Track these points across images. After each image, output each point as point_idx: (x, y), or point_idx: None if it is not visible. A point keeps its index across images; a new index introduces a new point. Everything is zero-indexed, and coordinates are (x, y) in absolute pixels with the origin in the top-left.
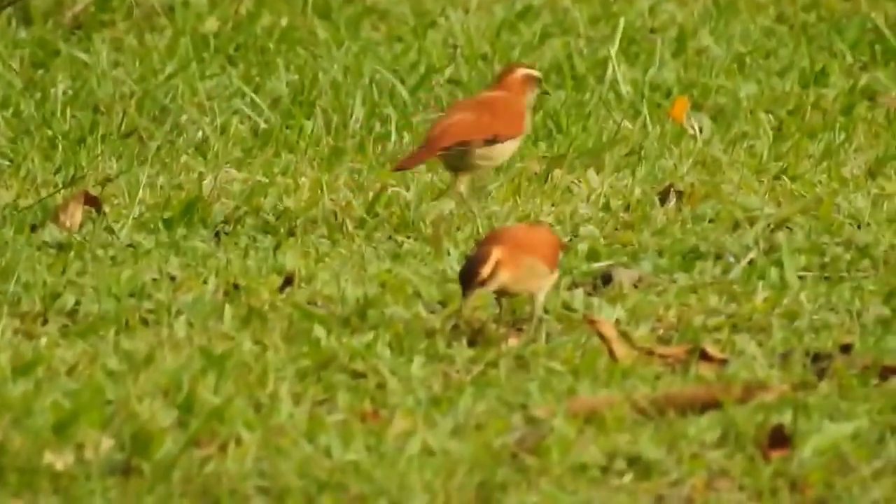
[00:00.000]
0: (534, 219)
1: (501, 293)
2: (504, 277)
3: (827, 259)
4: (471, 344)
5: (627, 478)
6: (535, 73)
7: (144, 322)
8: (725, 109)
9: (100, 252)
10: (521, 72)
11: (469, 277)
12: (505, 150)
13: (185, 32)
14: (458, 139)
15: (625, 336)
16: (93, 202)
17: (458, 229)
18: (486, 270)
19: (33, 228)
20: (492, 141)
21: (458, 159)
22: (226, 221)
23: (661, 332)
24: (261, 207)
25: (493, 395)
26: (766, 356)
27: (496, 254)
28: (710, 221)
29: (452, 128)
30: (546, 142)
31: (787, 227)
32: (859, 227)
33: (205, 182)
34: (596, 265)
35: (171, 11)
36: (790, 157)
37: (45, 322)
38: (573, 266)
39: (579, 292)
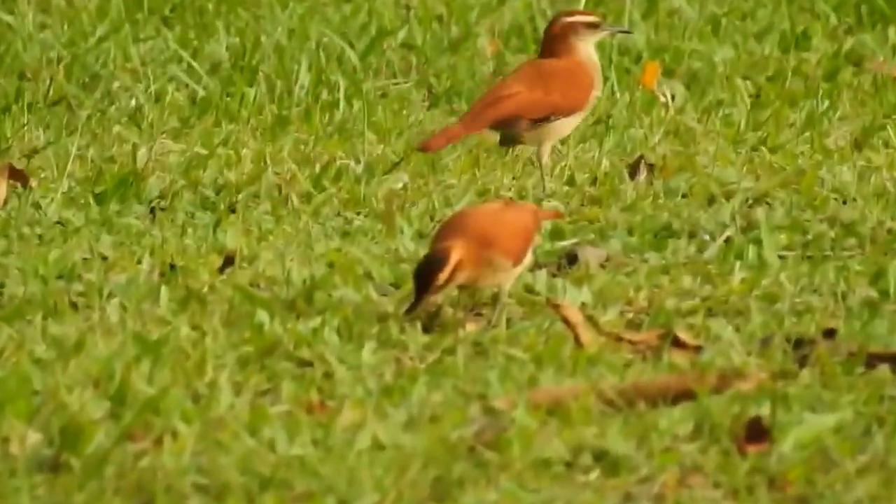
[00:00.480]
0: (494, 193)
1: (461, 288)
2: (462, 278)
3: (809, 237)
4: (426, 330)
5: (594, 474)
6: (583, 16)
7: (74, 306)
8: (699, 75)
9: (26, 230)
10: (563, 22)
11: (425, 283)
12: (562, 128)
13: None
14: (504, 116)
15: (591, 321)
16: (18, 176)
17: (412, 205)
18: (443, 276)
19: None
20: (544, 119)
21: (506, 137)
22: (162, 196)
23: (630, 316)
24: (199, 181)
25: (449, 384)
26: (743, 342)
27: (455, 255)
28: (684, 196)
29: (500, 104)
30: None
31: (767, 203)
32: (844, 202)
33: (139, 154)
34: (560, 244)
35: None
36: (769, 127)
37: None
38: (536, 245)
39: (542, 273)
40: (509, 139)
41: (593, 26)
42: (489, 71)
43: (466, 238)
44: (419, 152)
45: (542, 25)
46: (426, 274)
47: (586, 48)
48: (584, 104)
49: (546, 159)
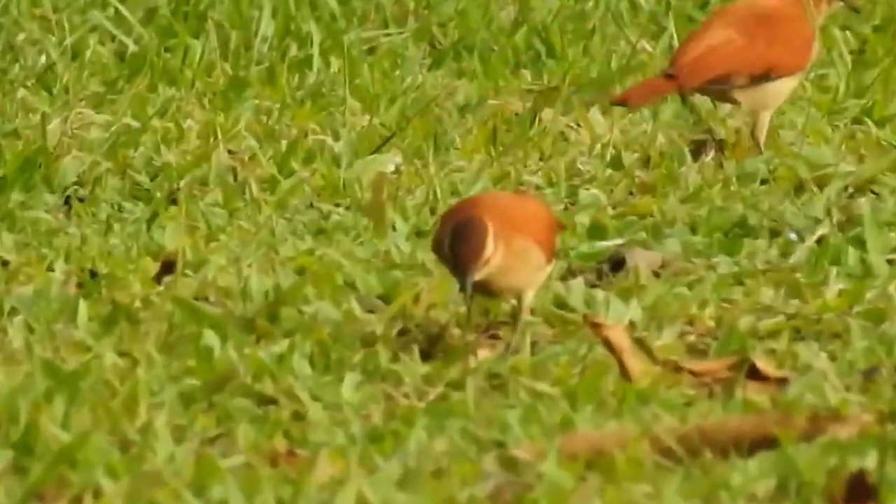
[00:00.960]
0: (515, 179)
1: (480, 289)
2: (495, 263)
3: None
4: (426, 356)
5: None
6: None
7: None
8: None
9: None
10: None
11: (470, 256)
12: (780, 91)
13: None
14: (715, 73)
15: (642, 345)
16: None
17: (408, 194)
18: (490, 246)
19: None
20: (762, 77)
21: (714, 98)
22: (80, 183)
23: (693, 339)
24: (129, 163)
25: (456, 428)
26: (841, 374)
27: (490, 226)
28: (764, 183)
29: (707, 56)
30: (532, 69)
31: (873, 192)
32: None
33: (50, 127)
34: (602, 244)
35: None
36: (876, 93)
37: None
38: (570, 246)
39: (578, 283)
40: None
41: None
42: (510, 18)
43: (493, 216)
44: (615, 105)
45: None
46: (470, 245)
47: (821, 13)
48: (807, 61)
49: (762, 134)
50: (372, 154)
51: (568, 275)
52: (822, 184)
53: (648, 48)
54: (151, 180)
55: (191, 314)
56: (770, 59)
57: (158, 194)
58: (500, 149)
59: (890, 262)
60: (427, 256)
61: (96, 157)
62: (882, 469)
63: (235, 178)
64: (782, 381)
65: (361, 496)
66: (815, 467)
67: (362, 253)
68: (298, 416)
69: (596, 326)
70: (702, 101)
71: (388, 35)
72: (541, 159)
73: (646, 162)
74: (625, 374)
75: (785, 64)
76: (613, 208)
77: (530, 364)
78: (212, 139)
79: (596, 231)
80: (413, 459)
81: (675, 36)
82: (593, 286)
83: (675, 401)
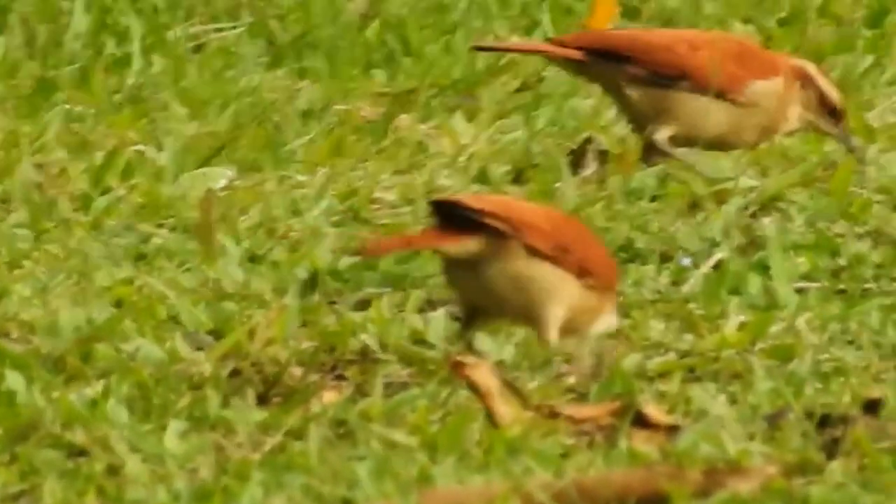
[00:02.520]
0: (365, 196)
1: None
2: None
3: (842, 261)
4: (262, 401)
5: None
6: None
7: None
8: (677, 16)
9: None
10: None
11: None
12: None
13: None
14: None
15: (512, 388)
16: None
17: (241, 214)
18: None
19: None
20: None
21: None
22: None
23: (572, 381)
24: None
25: (297, 483)
26: (742, 420)
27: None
28: (654, 200)
29: None
30: (385, 69)
31: (779, 210)
32: (893, 207)
33: None
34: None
35: None
36: None
37: None
38: (430, 274)
39: (439, 316)
40: None
41: (832, 115)
42: (360, 11)
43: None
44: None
45: None
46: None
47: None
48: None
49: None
50: (200, 167)
51: (427, 306)
52: (720, 201)
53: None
54: None
55: None
56: None
57: None
58: (349, 161)
59: (798, 290)
60: (264, 285)
61: None
62: None
63: (43, 196)
64: (674, 429)
65: None
66: None
67: (189, 282)
68: (114, 470)
69: (459, 366)
70: (581, 105)
71: (218, 31)
72: (396, 173)
73: (517, 176)
74: (492, 420)
75: None
76: None
77: (383, 409)
78: (15, 150)
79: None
80: None
81: (550, 28)
82: (457, 319)
83: (550, 451)
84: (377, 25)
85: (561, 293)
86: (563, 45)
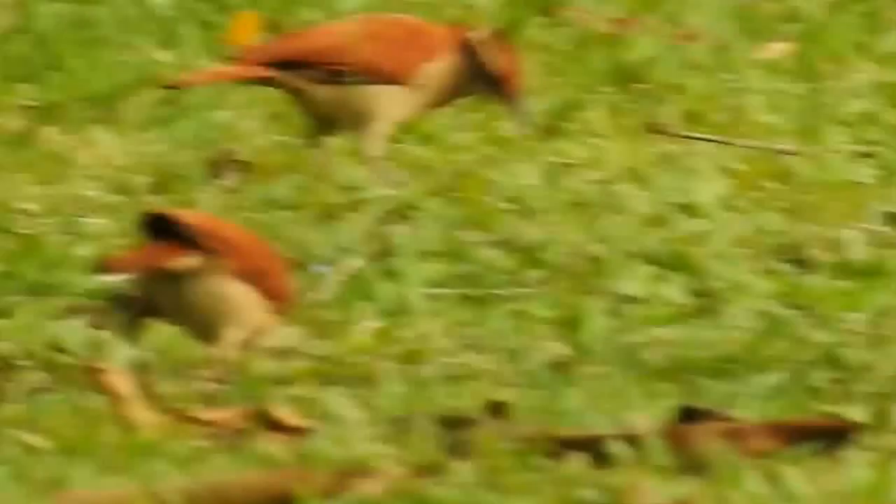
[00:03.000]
0: (4, 206)
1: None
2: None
3: (473, 267)
4: None
5: None
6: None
7: None
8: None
9: None
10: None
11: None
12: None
13: None
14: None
15: (148, 392)
16: None
17: None
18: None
19: None
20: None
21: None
22: None
23: (205, 385)
24: None
25: None
26: (371, 422)
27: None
28: (291, 209)
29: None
30: (31, 83)
31: (410, 218)
32: (525, 216)
33: None
34: (107, 280)
35: None
36: None
37: None
38: (67, 281)
39: (78, 323)
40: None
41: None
42: (6, 24)
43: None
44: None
45: None
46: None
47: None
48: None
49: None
50: None
51: (67, 313)
52: (354, 209)
53: (162, 58)
54: None
55: None
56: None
57: None
58: None
59: (429, 296)
60: None
61: None
62: None
63: None
64: (304, 432)
65: None
66: None
67: None
68: None
69: (95, 371)
70: (220, 117)
71: None
72: (39, 184)
73: (159, 186)
74: (127, 424)
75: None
76: (121, 239)
77: (22, 414)
78: None
79: (101, 264)
80: None
81: (190, 44)
82: (96, 328)
83: (183, 454)
84: (23, 39)
85: (249, 316)
86: (248, 64)
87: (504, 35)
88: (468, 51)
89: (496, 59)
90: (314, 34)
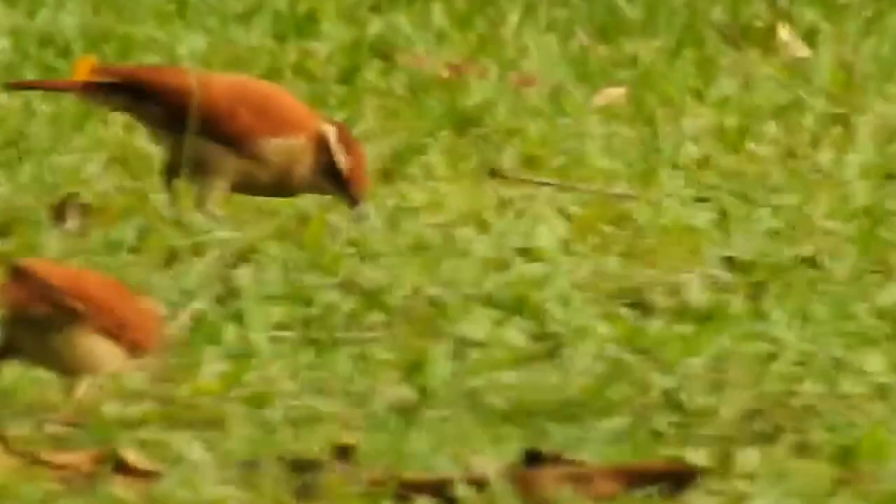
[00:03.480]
0: None
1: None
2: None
3: (315, 310)
4: None
5: None
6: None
7: None
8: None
9: None
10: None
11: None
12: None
13: None
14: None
15: None
16: None
17: None
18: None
19: None
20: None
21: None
22: None
23: (55, 429)
24: None
25: None
26: (218, 465)
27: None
28: (133, 252)
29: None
30: None
31: (254, 261)
32: (363, 259)
33: None
34: None
35: None
36: None
37: None
38: None
39: None
40: None
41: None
42: None
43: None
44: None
45: None
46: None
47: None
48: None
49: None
50: None
51: None
52: (197, 253)
53: (4, 101)
54: None
55: None
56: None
57: None
58: None
59: (272, 339)
60: None
61: None
62: None
63: None
64: (153, 475)
65: None
66: None
67: None
68: None
69: None
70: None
71: None
72: None
73: (1, 230)
74: None
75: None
76: None
77: None
78: None
79: None
80: None
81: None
82: None
83: (32, 497)
84: None
85: (109, 367)
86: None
87: (349, 133)
88: (320, 141)
89: (345, 158)
90: (170, 70)
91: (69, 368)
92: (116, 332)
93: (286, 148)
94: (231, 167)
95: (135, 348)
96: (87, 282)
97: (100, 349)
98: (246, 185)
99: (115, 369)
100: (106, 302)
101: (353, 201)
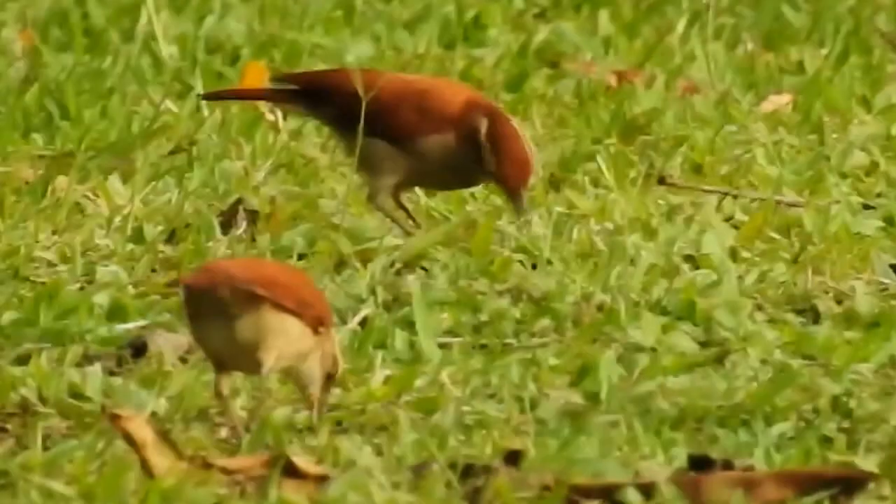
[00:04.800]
0: (26, 255)
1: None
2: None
3: (484, 317)
4: None
5: None
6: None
7: None
8: None
9: None
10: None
11: None
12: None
13: None
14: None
15: (167, 439)
16: None
17: None
18: None
19: None
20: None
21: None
22: None
23: (225, 432)
24: None
25: None
26: (388, 470)
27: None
28: (302, 258)
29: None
30: (44, 132)
31: (422, 268)
32: (534, 266)
33: None
34: (122, 327)
35: None
36: None
37: None
38: (87, 329)
39: (96, 370)
40: None
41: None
42: (19, 75)
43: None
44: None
45: (95, 11)
46: None
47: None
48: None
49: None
50: None
51: (84, 361)
52: (366, 259)
53: (173, 108)
54: None
55: None
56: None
57: None
58: (9, 221)
59: (441, 345)
60: None
61: None
62: None
63: None
64: (323, 479)
65: None
66: None
67: None
68: None
69: (115, 418)
70: (232, 167)
71: None
72: (54, 233)
73: (171, 235)
74: (147, 471)
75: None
76: (135, 287)
77: (42, 461)
78: None
79: (116, 312)
80: None
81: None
82: (112, 374)
83: (203, 501)
84: (36, 90)
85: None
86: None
87: (505, 125)
88: (470, 137)
89: (492, 153)
90: (342, 72)
91: (258, 352)
92: (299, 309)
93: (441, 143)
94: (398, 164)
95: (317, 324)
96: (265, 267)
97: (286, 326)
98: (416, 181)
99: (303, 347)
100: (286, 282)
101: (508, 195)
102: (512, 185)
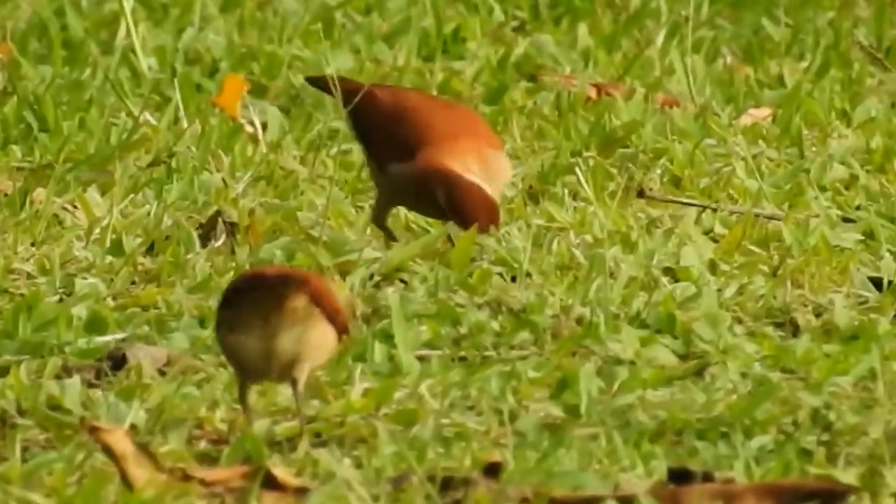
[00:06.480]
0: (5, 267)
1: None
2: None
3: (463, 329)
4: None
5: None
6: None
7: None
8: (304, 94)
9: None
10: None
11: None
12: None
13: None
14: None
15: (146, 451)
16: None
17: None
18: None
19: None
20: None
21: None
22: None
23: (203, 445)
24: None
25: None
26: (367, 482)
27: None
28: None
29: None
30: (22, 144)
31: (401, 280)
32: (514, 278)
33: None
34: (101, 339)
35: None
36: None
37: None
38: (66, 342)
39: (74, 382)
40: None
41: None
42: None
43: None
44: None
45: (74, 22)
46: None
47: None
48: None
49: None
50: None
51: (63, 373)
52: (345, 272)
53: (153, 120)
54: None
55: None
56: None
57: None
58: None
59: (420, 358)
60: None
61: None
62: None
63: None
64: (302, 491)
65: None
66: None
67: None
68: None
69: (94, 430)
70: (211, 179)
71: None
72: (33, 245)
73: (150, 247)
74: (127, 483)
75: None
76: (114, 299)
77: (21, 472)
78: None
79: (95, 324)
80: None
81: (180, 106)
82: (91, 386)
83: None
84: (15, 102)
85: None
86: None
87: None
88: (430, 176)
89: (459, 215)
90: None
91: (296, 359)
92: (333, 315)
93: (403, 174)
94: (383, 185)
95: (343, 331)
96: (301, 273)
97: (325, 333)
98: (402, 204)
99: (331, 352)
100: (324, 289)
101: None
102: (481, 230)
